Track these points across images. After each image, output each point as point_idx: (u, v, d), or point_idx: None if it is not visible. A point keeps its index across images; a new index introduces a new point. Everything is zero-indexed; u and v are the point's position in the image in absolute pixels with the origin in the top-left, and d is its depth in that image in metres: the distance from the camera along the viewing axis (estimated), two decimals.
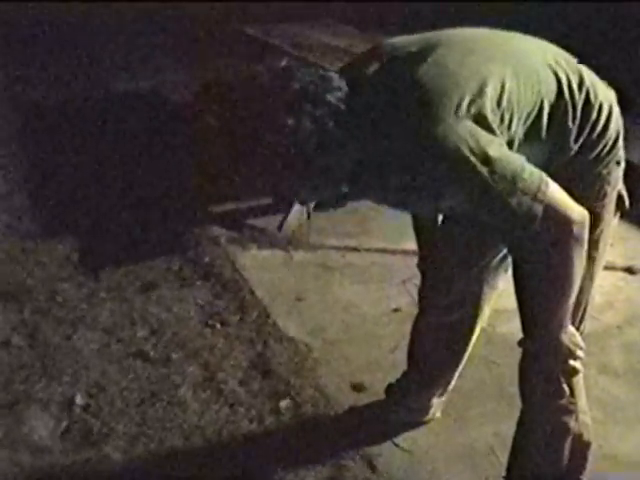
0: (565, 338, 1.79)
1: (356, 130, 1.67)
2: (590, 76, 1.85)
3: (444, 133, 1.62)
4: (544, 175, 1.67)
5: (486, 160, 1.61)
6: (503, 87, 1.70)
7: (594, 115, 1.81)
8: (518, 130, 1.73)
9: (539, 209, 1.64)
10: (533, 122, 1.75)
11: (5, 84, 5.05)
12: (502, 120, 1.69)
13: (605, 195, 1.87)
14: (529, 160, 1.70)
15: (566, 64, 1.83)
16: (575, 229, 1.67)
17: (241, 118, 1.64)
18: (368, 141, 1.69)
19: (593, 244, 1.87)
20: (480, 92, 1.67)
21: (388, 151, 1.69)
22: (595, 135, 1.82)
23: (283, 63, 1.73)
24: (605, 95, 1.85)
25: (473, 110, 1.65)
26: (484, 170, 1.61)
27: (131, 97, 5.13)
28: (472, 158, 1.61)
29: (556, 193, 1.67)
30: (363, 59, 1.83)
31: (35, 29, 5.97)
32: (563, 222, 1.67)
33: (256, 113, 1.63)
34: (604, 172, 1.85)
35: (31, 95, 5.01)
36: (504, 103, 1.69)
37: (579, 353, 1.82)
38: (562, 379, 1.83)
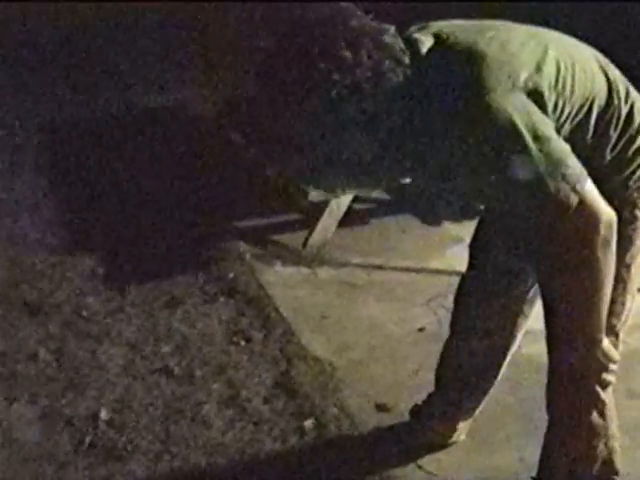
0: (598, 352, 1.74)
1: (412, 93, 1.64)
2: (634, 91, 1.85)
3: (498, 101, 1.59)
4: (585, 171, 1.64)
5: (537, 136, 1.59)
6: (559, 72, 1.70)
7: (633, 130, 1.80)
8: (566, 123, 1.72)
9: (575, 200, 1.60)
10: (580, 120, 1.73)
11: (29, 99, 5.10)
12: (555, 106, 1.68)
13: (636, 219, 1.86)
14: None
15: (619, 77, 1.83)
16: (603, 229, 1.63)
17: (293, 52, 1.60)
18: (418, 102, 1.66)
19: (625, 268, 1.85)
20: (538, 69, 1.67)
21: (436, 115, 1.66)
22: (631, 152, 1.81)
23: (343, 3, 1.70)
24: None
25: (530, 85, 1.63)
26: (533, 146, 1.59)
27: (155, 112, 5.15)
28: (524, 131, 1.58)
29: (592, 191, 1.64)
30: (415, 30, 1.80)
31: (56, 45, 6.02)
32: (593, 220, 1.62)
33: (312, 43, 1.59)
34: (635, 195, 1.84)
35: (55, 109, 5.06)
36: (559, 87, 1.68)
37: (612, 366, 1.77)
38: (597, 389, 1.79)
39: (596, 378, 1.77)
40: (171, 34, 5.99)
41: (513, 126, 1.59)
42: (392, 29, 1.68)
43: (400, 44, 1.67)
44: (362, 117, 1.62)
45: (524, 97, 1.62)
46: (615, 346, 1.92)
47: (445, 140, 1.68)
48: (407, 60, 1.65)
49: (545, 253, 1.74)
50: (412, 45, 1.71)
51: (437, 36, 1.75)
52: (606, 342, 1.77)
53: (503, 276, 2.09)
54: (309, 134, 1.64)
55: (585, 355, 1.74)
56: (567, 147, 1.64)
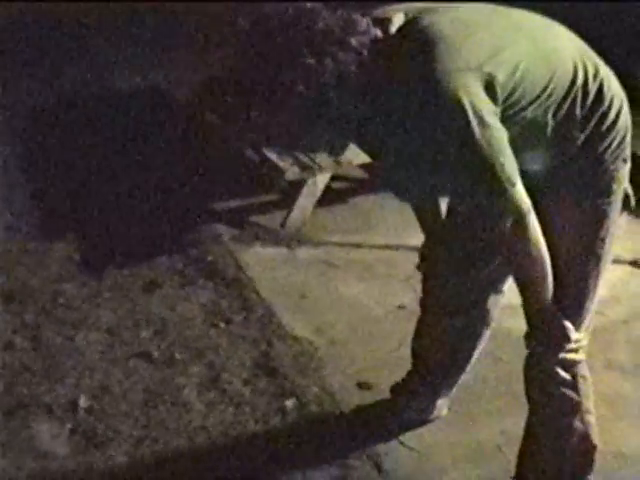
0: (558, 324, 1.79)
1: (376, 79, 1.65)
2: (605, 69, 1.84)
3: (448, 81, 1.60)
4: (516, 166, 1.67)
5: (481, 121, 1.60)
6: (520, 58, 1.69)
7: (605, 106, 1.79)
8: (528, 107, 1.71)
9: (509, 190, 1.64)
10: (541, 103, 1.73)
11: (2, 83, 5.03)
12: (514, 90, 1.68)
13: (611, 192, 1.85)
14: (535, 144, 1.73)
15: (585, 53, 1.82)
16: (527, 216, 1.69)
17: (258, 58, 1.60)
18: (383, 89, 1.67)
19: (599, 241, 1.86)
20: (496, 54, 1.66)
21: (398, 101, 1.67)
22: (604, 128, 1.80)
23: (308, 4, 1.69)
24: (617, 90, 1.84)
25: (485, 68, 1.63)
26: (477, 129, 1.60)
27: (130, 94, 5.10)
28: (470, 112, 1.59)
29: (521, 187, 1.67)
30: (383, 13, 1.80)
31: (30, 27, 5.94)
32: (520, 211, 1.68)
33: (276, 51, 1.59)
34: (611, 168, 1.83)
35: (29, 94, 4.99)
36: (518, 73, 1.67)
37: (571, 346, 1.81)
38: (561, 369, 1.82)
39: (554, 359, 1.80)
40: (147, 17, 5.94)
41: (460, 106, 1.60)
42: (364, 21, 1.67)
43: (372, 35, 1.66)
44: (329, 117, 1.65)
45: (476, 80, 1.62)
46: (581, 317, 1.93)
47: (404, 122, 1.69)
48: (376, 53, 1.65)
49: (492, 235, 1.79)
50: (384, 25, 1.71)
51: (406, 15, 1.74)
52: (565, 322, 1.78)
53: (471, 253, 2.09)
54: (278, 130, 1.68)
55: (540, 328, 1.78)
56: (506, 139, 1.65)
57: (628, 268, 3.29)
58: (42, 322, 2.91)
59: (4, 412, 2.49)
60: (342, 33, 1.61)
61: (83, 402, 2.53)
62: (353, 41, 1.61)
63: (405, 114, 1.67)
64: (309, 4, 1.68)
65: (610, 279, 3.08)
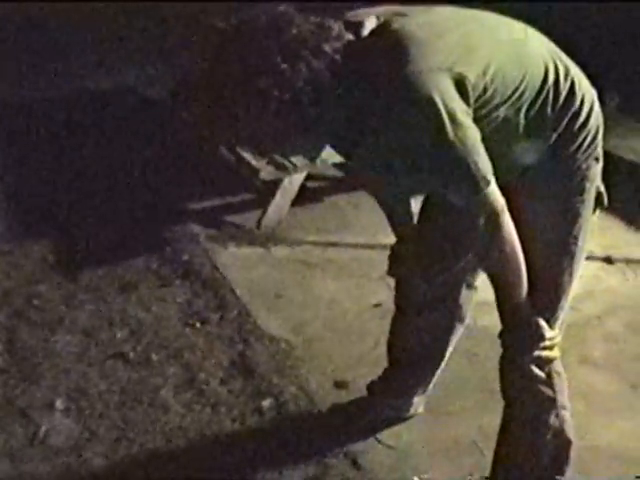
0: (533, 322, 1.80)
1: (349, 83, 1.65)
2: (576, 69, 1.86)
3: (421, 81, 1.60)
4: (490, 165, 1.68)
5: (454, 120, 1.61)
6: (491, 58, 1.70)
7: (576, 105, 1.81)
8: (500, 107, 1.72)
9: (484, 188, 1.66)
10: (513, 103, 1.74)
11: None
12: (485, 90, 1.68)
13: (584, 191, 1.87)
14: (507, 143, 1.74)
15: (556, 54, 1.83)
16: (501, 215, 1.70)
17: (232, 63, 1.59)
18: (356, 92, 1.67)
19: (572, 240, 1.88)
20: (467, 55, 1.67)
21: (371, 104, 1.67)
22: (576, 127, 1.82)
23: (281, 8, 1.69)
24: (588, 89, 1.86)
25: (456, 69, 1.64)
26: (450, 129, 1.60)
27: (106, 94, 5.08)
28: (443, 112, 1.60)
29: (495, 187, 1.68)
30: (356, 16, 1.80)
31: (7, 26, 5.89)
32: (494, 208, 1.69)
33: (249, 57, 1.59)
34: (583, 167, 1.85)
35: (4, 93, 4.95)
36: (490, 74, 1.68)
37: (545, 344, 1.82)
38: (535, 367, 1.84)
39: (529, 357, 1.82)
40: (122, 16, 5.91)
41: (432, 106, 1.60)
42: (336, 27, 1.67)
43: (344, 39, 1.66)
44: (302, 122, 1.65)
45: (447, 80, 1.63)
46: (556, 313, 1.95)
47: (377, 123, 1.70)
48: (348, 56, 1.65)
49: (466, 233, 1.81)
50: (356, 28, 1.71)
51: (378, 18, 1.75)
52: (540, 321, 1.80)
53: (442, 249, 2.10)
54: (252, 135, 1.68)
55: (515, 326, 1.80)
56: (479, 138, 1.66)
57: (601, 264, 3.32)
58: (17, 324, 2.89)
59: None
60: (315, 39, 1.61)
61: (59, 404, 2.51)
62: (326, 47, 1.61)
63: (378, 116, 1.67)
64: (282, 9, 1.68)
65: (583, 275, 3.10)
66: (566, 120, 1.80)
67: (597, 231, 3.35)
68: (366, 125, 1.71)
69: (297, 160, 3.47)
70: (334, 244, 3.50)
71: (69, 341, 2.82)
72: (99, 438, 2.40)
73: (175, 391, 2.59)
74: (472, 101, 1.66)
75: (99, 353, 2.77)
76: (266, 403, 2.53)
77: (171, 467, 2.32)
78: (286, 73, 1.57)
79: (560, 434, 1.92)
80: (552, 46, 1.86)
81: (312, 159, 1.87)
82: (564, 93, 1.79)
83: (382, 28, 1.72)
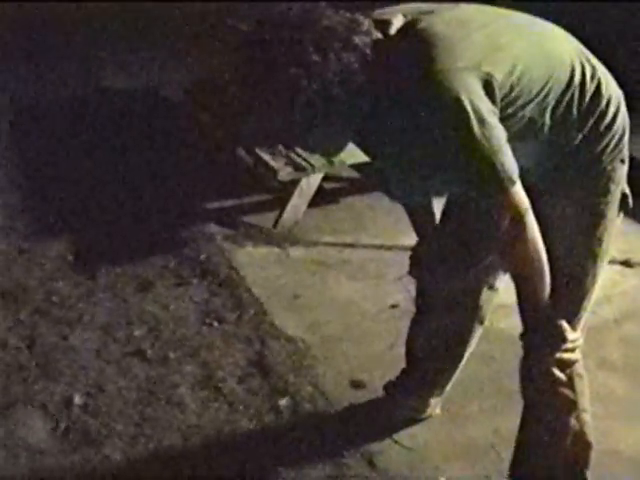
0: (555, 324, 1.79)
1: (377, 80, 1.65)
2: (603, 70, 1.86)
3: (448, 80, 1.61)
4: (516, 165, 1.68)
5: (481, 120, 1.61)
6: (518, 58, 1.70)
7: (602, 106, 1.81)
8: (525, 107, 1.72)
9: (509, 188, 1.65)
10: (539, 103, 1.74)
11: None
12: (511, 90, 1.69)
13: (608, 192, 1.87)
14: (532, 143, 1.74)
15: (583, 54, 1.83)
16: (527, 217, 1.69)
17: (260, 54, 1.61)
18: (384, 90, 1.68)
19: (596, 241, 1.88)
20: (495, 54, 1.68)
21: (398, 102, 1.68)
22: (602, 127, 1.82)
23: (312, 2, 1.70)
24: (615, 90, 1.86)
25: (484, 68, 1.64)
26: (477, 128, 1.61)
27: (124, 95, 5.10)
28: (469, 110, 1.60)
29: (520, 186, 1.68)
30: (383, 15, 1.81)
31: (25, 26, 5.93)
32: (519, 210, 1.68)
33: (280, 48, 1.59)
34: (609, 168, 1.85)
35: (23, 93, 4.98)
36: (516, 73, 1.69)
37: (567, 346, 1.81)
38: (557, 369, 1.83)
39: (551, 359, 1.81)
40: (142, 17, 5.93)
41: (460, 105, 1.60)
42: (366, 22, 1.68)
43: (373, 36, 1.67)
44: (330, 116, 1.66)
45: (475, 80, 1.63)
46: (578, 315, 1.94)
47: (403, 122, 1.70)
48: (376, 53, 1.66)
49: (489, 234, 1.80)
50: (384, 26, 1.72)
51: (405, 17, 1.76)
52: (562, 322, 1.79)
53: (464, 249, 2.10)
54: (278, 128, 1.69)
55: (537, 328, 1.79)
56: (505, 138, 1.66)
57: (619, 268, 3.31)
58: (36, 321, 2.91)
59: None
60: (346, 32, 1.62)
61: (78, 400, 2.53)
62: (356, 39, 1.63)
63: (405, 115, 1.68)
64: (314, 3, 1.68)
65: (602, 278, 3.11)
66: (592, 121, 1.80)
67: (616, 235, 3.36)
68: (392, 123, 1.72)
69: (315, 161, 3.49)
70: (350, 245, 3.51)
71: (88, 338, 2.84)
72: (117, 434, 2.42)
73: (192, 389, 2.60)
74: (499, 100, 1.66)
75: (117, 350, 2.78)
76: (283, 402, 2.54)
77: (188, 464, 2.34)
78: (316, 64, 1.58)
79: (580, 437, 1.91)
80: (579, 45, 1.86)
81: (334, 154, 1.87)
82: (590, 94, 1.79)
83: (409, 26, 1.73)
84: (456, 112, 1.60)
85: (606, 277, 3.13)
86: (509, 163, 1.65)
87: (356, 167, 3.68)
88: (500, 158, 1.63)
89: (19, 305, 2.99)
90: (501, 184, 1.65)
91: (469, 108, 1.60)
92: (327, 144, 1.81)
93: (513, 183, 1.66)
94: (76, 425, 2.44)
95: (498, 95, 1.66)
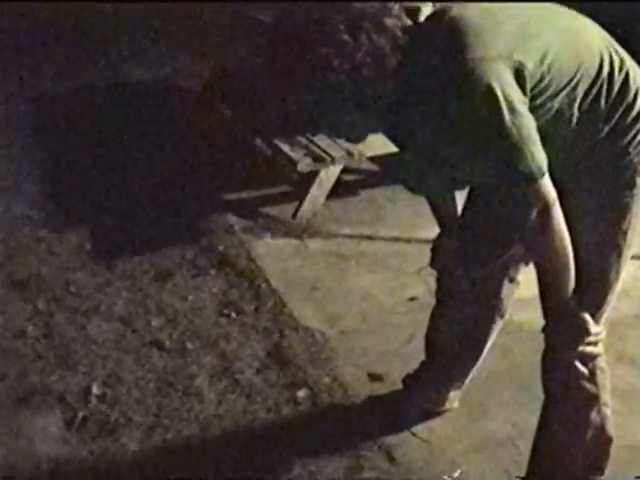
0: (579, 317, 1.78)
1: (408, 66, 1.65)
2: (631, 62, 1.84)
3: (480, 69, 1.60)
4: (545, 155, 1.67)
5: (512, 109, 1.60)
6: (548, 47, 1.69)
7: (630, 98, 1.79)
8: (554, 98, 1.71)
9: (538, 177, 1.64)
10: (568, 94, 1.73)
11: (14, 73, 5.03)
12: (541, 80, 1.68)
13: (635, 185, 1.84)
14: (560, 135, 1.73)
15: (611, 46, 1.82)
16: (553, 207, 1.69)
17: (294, 33, 1.60)
18: (414, 77, 1.67)
19: (622, 234, 1.86)
20: (525, 43, 1.67)
21: (429, 89, 1.67)
22: (629, 120, 1.79)
23: None
24: None
25: (515, 57, 1.63)
26: (508, 117, 1.60)
27: (142, 86, 5.10)
28: (501, 99, 1.59)
29: (547, 177, 1.67)
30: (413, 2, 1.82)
31: (40, 19, 5.94)
32: (545, 202, 1.68)
33: (311, 28, 1.59)
34: (635, 161, 1.82)
35: (40, 84, 4.99)
36: (546, 63, 1.67)
37: (590, 339, 1.80)
38: (579, 363, 1.81)
39: (573, 352, 1.79)
40: (160, 6, 5.92)
41: (491, 94, 1.59)
42: (396, 7, 1.67)
43: (403, 21, 1.66)
44: (360, 99, 1.65)
45: (506, 69, 1.62)
46: (602, 309, 1.92)
47: (433, 110, 1.68)
48: (406, 39, 1.65)
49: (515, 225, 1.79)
50: (413, 14, 1.71)
51: (434, 5, 1.75)
52: (586, 315, 1.78)
53: (487, 242, 2.09)
54: (305, 112, 1.67)
55: (560, 321, 1.77)
56: (535, 128, 1.65)
57: (639, 263, 3.27)
58: (54, 311, 2.92)
59: (17, 400, 2.50)
60: (377, 14, 1.62)
61: (95, 390, 2.54)
62: (387, 22, 1.62)
63: (436, 103, 1.66)
64: None
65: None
66: (619, 113, 1.78)
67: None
68: (422, 111, 1.71)
69: (334, 152, 3.48)
70: (369, 237, 3.49)
71: (105, 328, 2.84)
72: (134, 424, 2.42)
73: (210, 380, 2.60)
74: (529, 90, 1.65)
75: (135, 340, 2.79)
76: (301, 393, 2.53)
77: (205, 454, 2.34)
78: (348, 44, 1.58)
79: (601, 431, 1.90)
80: (608, 37, 1.84)
81: (359, 140, 1.85)
82: (618, 86, 1.77)
83: (439, 15, 1.72)
84: (488, 101, 1.59)
85: (626, 272, 3.13)
86: (539, 154, 1.63)
87: (375, 159, 3.67)
88: (530, 148, 1.62)
89: (37, 295, 3.00)
90: (530, 175, 1.63)
91: (501, 97, 1.59)
92: (354, 129, 1.79)
93: (542, 174, 1.64)
94: (94, 415, 2.45)
95: (529, 84, 1.65)
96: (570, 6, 1.86)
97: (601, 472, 1.97)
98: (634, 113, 1.79)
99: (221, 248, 3.33)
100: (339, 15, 1.59)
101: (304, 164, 3.46)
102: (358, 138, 1.85)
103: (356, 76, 1.60)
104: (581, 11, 1.88)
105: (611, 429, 1.94)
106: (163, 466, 2.30)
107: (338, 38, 1.57)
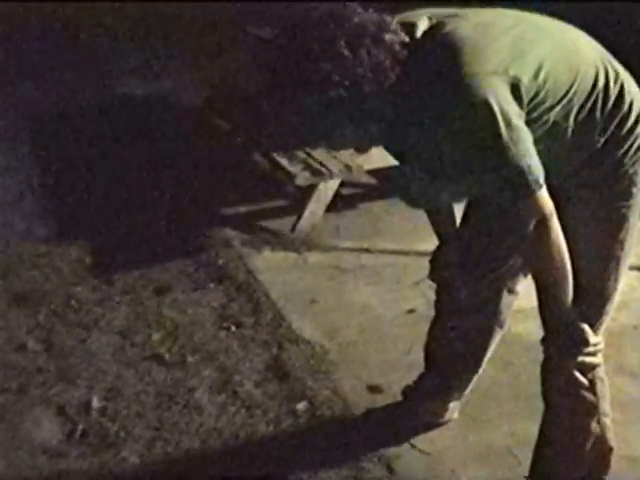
0: (577, 327, 1.79)
1: (404, 79, 1.67)
2: (625, 73, 1.86)
3: (476, 83, 1.62)
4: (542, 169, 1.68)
5: (509, 124, 1.62)
6: (543, 61, 1.71)
7: (625, 110, 1.81)
8: (550, 111, 1.73)
9: (536, 190, 1.66)
10: (563, 106, 1.75)
11: (13, 89, 5.05)
12: (537, 94, 1.69)
13: (631, 196, 1.86)
14: (556, 147, 1.74)
15: (606, 58, 1.84)
16: (550, 219, 1.70)
17: (291, 51, 1.62)
18: (411, 92, 1.69)
19: (618, 245, 1.87)
20: (521, 58, 1.68)
21: (426, 104, 1.68)
22: (624, 131, 1.81)
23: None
24: (637, 94, 1.86)
25: (511, 72, 1.65)
26: (505, 132, 1.62)
27: (141, 101, 5.12)
28: (497, 114, 1.61)
29: (544, 189, 1.69)
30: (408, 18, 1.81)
31: (39, 33, 5.97)
32: (544, 211, 1.69)
33: (311, 43, 1.60)
34: (630, 172, 1.84)
35: (40, 99, 5.02)
36: (542, 77, 1.69)
37: (589, 349, 1.81)
38: (579, 373, 1.82)
39: (573, 362, 1.80)
40: (155, 23, 5.95)
41: (488, 109, 1.61)
42: (394, 22, 1.70)
43: (401, 37, 1.69)
44: (359, 113, 1.67)
45: (503, 84, 1.64)
46: (600, 319, 1.94)
47: (430, 124, 1.70)
48: (405, 54, 1.67)
49: (513, 237, 1.80)
50: (409, 29, 1.73)
51: (430, 20, 1.77)
52: (584, 326, 1.79)
53: (485, 253, 2.10)
54: (303, 126, 1.70)
55: (559, 331, 1.78)
56: (532, 141, 1.67)
57: (636, 273, 3.29)
58: (54, 324, 2.92)
59: (17, 413, 2.51)
60: (376, 29, 1.63)
61: (96, 403, 2.54)
62: (387, 37, 1.64)
63: (434, 117, 1.68)
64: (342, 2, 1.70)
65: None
66: (614, 124, 1.80)
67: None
68: (421, 125, 1.72)
69: (332, 166, 3.50)
70: (368, 250, 3.50)
71: (105, 342, 2.85)
72: (134, 437, 2.42)
73: (210, 393, 2.61)
74: (525, 104, 1.67)
75: (135, 354, 2.79)
76: (300, 406, 2.54)
77: (205, 468, 2.34)
78: (348, 59, 1.59)
79: (601, 441, 1.91)
80: (602, 49, 1.86)
81: (363, 152, 1.87)
82: (613, 97, 1.79)
83: (435, 30, 1.74)
84: (484, 115, 1.61)
85: (624, 283, 3.12)
86: (536, 166, 1.65)
87: (373, 173, 3.69)
88: (527, 161, 1.64)
89: (37, 308, 3.01)
90: (528, 187, 1.65)
91: (497, 111, 1.61)
92: (354, 144, 1.81)
93: (540, 186, 1.66)
94: (94, 428, 2.45)
95: (525, 98, 1.66)
96: (565, 14, 1.89)
97: None
98: (629, 124, 1.81)
99: (220, 262, 3.35)
100: (339, 30, 1.60)
101: (303, 178, 3.48)
102: (364, 148, 1.87)
103: (356, 91, 1.62)
104: (572, 21, 1.91)
105: (611, 439, 1.94)
106: (163, 479, 2.31)
107: (338, 53, 1.59)
